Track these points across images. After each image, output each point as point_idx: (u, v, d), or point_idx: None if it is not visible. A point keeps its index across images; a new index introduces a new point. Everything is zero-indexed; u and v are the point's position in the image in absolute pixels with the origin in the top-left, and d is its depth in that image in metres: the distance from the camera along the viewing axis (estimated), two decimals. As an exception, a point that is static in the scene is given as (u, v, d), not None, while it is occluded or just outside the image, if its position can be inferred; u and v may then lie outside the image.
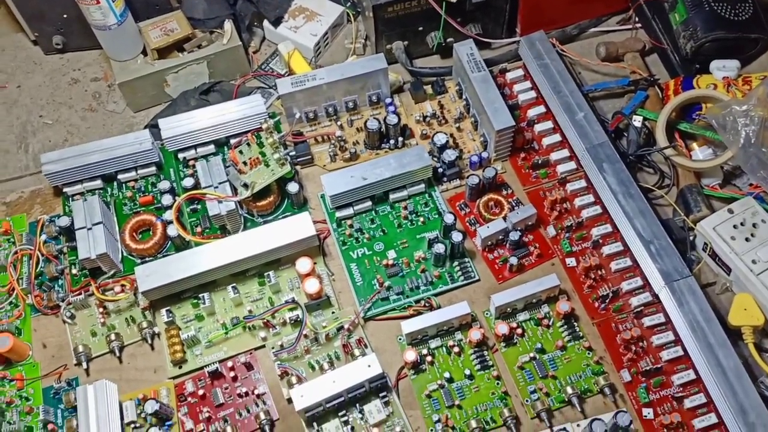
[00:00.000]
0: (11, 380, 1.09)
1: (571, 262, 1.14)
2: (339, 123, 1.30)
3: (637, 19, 1.42)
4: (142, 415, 1.05)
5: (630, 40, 1.39)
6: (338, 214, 1.20)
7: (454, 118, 1.29)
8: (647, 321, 1.08)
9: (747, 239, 1.11)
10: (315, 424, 1.03)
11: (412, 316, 1.11)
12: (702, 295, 1.04)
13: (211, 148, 1.26)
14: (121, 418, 1.03)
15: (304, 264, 1.11)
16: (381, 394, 1.05)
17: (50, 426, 1.04)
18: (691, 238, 1.16)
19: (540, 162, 1.23)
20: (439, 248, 1.12)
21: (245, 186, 1.16)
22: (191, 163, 1.26)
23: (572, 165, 1.22)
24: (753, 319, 1.06)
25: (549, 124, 1.26)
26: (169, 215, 1.17)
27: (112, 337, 1.10)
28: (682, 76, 1.31)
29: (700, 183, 1.22)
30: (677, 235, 1.15)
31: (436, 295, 1.14)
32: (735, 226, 1.12)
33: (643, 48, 1.37)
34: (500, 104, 1.19)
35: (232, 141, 1.26)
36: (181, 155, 1.26)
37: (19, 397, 1.08)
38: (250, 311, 1.13)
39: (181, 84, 1.36)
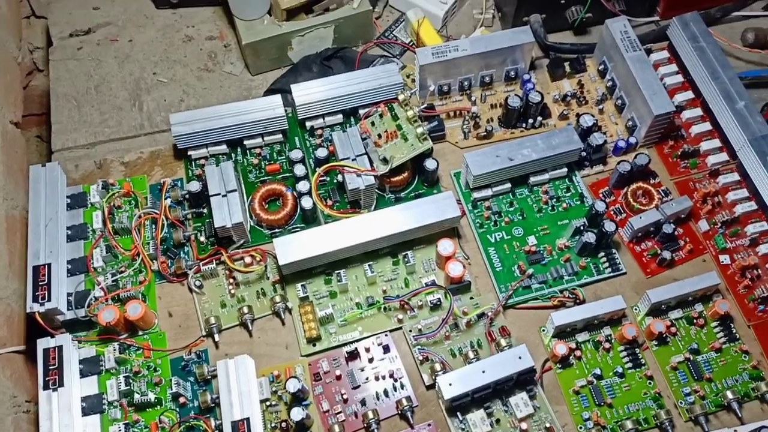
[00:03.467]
0: (138, 348, 1.05)
1: (725, 259, 1.09)
2: (472, 98, 1.23)
3: (784, 4, 1.34)
4: (278, 393, 1.01)
5: (779, 26, 1.31)
6: (475, 195, 1.14)
7: (595, 100, 1.22)
8: (809, 327, 1.03)
9: None
10: (459, 414, 0.99)
11: (556, 306, 1.06)
12: None
13: (339, 117, 1.20)
14: (256, 395, 1.00)
15: (446, 246, 1.06)
16: (527, 388, 1.00)
17: (181, 399, 1.01)
18: None
19: (690, 151, 1.16)
20: (590, 237, 1.06)
21: (384, 160, 1.11)
22: (318, 132, 1.21)
23: (723, 156, 1.16)
24: None
25: (698, 112, 1.19)
26: (303, 186, 1.12)
27: (245, 310, 1.06)
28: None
29: None
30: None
31: (580, 286, 1.08)
32: None
33: (793, 36, 1.30)
34: (658, 87, 1.12)
35: (361, 111, 1.20)
36: (308, 123, 1.20)
37: (147, 368, 1.04)
38: (384, 291, 1.08)
39: (305, 48, 1.29)
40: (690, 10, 1.25)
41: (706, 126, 1.18)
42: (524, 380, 1.00)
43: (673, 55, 1.24)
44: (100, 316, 1.02)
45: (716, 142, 1.17)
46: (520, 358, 0.98)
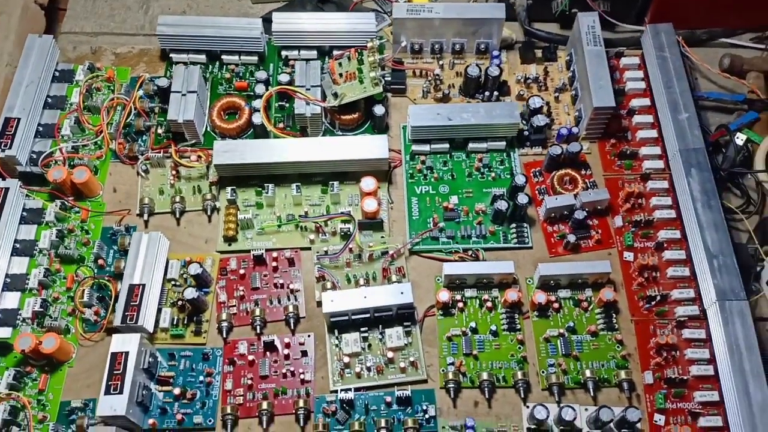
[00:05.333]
0: (78, 211, 1.17)
1: (628, 256, 1.12)
2: (441, 63, 1.30)
3: (773, 40, 1.35)
4: (184, 275, 1.11)
5: (758, 59, 1.32)
6: (414, 147, 1.21)
7: (555, 88, 1.27)
8: (687, 333, 1.06)
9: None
10: (336, 331, 1.07)
11: (455, 261, 1.13)
12: (751, 322, 1.01)
13: (314, 53, 1.29)
14: (165, 273, 1.10)
15: (368, 183, 1.14)
16: (405, 323, 1.07)
17: (100, 261, 1.12)
18: (759, 269, 1.12)
19: (628, 152, 1.20)
20: (501, 205, 1.12)
21: (335, 95, 1.19)
22: (291, 63, 1.29)
23: (660, 164, 1.19)
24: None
25: (649, 118, 1.22)
26: (258, 103, 1.21)
27: (177, 199, 1.16)
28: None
29: (787, 219, 1.17)
30: (744, 262, 1.11)
31: (485, 249, 1.14)
32: (809, 269, 1.07)
33: (770, 71, 1.31)
34: (606, 83, 1.16)
35: (335, 52, 1.28)
36: (284, 53, 1.29)
37: (81, 228, 1.15)
38: (306, 212, 1.16)
39: (303, -14, 1.39)
40: (677, 26, 1.29)
41: (653, 133, 1.21)
42: (404, 317, 1.07)
43: (644, 63, 1.27)
44: (50, 173, 1.14)
45: (657, 150, 1.20)
46: (402, 293, 1.05)
